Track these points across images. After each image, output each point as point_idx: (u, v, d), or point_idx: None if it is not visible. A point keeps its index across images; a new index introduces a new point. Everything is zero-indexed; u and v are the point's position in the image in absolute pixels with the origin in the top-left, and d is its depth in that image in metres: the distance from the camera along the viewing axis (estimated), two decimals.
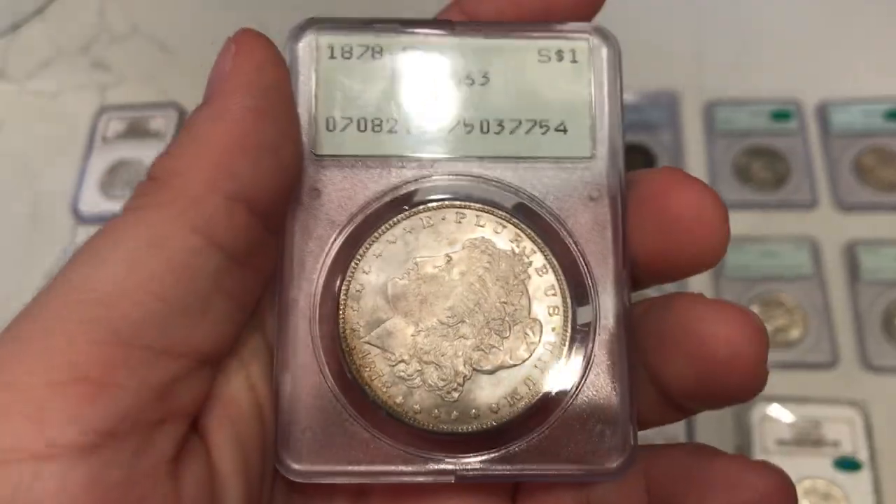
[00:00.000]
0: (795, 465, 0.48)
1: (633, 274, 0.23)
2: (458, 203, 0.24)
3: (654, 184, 0.23)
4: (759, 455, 0.49)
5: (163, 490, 0.19)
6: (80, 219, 0.58)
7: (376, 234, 0.23)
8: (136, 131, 0.60)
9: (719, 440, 0.49)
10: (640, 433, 0.23)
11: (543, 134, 0.24)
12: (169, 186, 0.20)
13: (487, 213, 0.24)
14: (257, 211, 0.21)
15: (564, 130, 0.24)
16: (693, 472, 0.21)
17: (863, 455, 0.48)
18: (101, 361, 0.19)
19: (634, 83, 0.60)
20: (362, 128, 0.24)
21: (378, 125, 0.24)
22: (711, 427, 0.50)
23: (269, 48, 0.22)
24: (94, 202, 0.58)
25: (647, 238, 0.23)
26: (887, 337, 0.52)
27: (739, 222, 0.56)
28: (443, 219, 0.24)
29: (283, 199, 0.22)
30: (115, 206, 0.58)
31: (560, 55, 0.24)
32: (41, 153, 0.61)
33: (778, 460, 0.48)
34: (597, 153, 0.24)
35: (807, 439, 0.49)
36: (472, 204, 0.24)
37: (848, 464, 0.48)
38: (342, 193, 0.24)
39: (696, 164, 0.58)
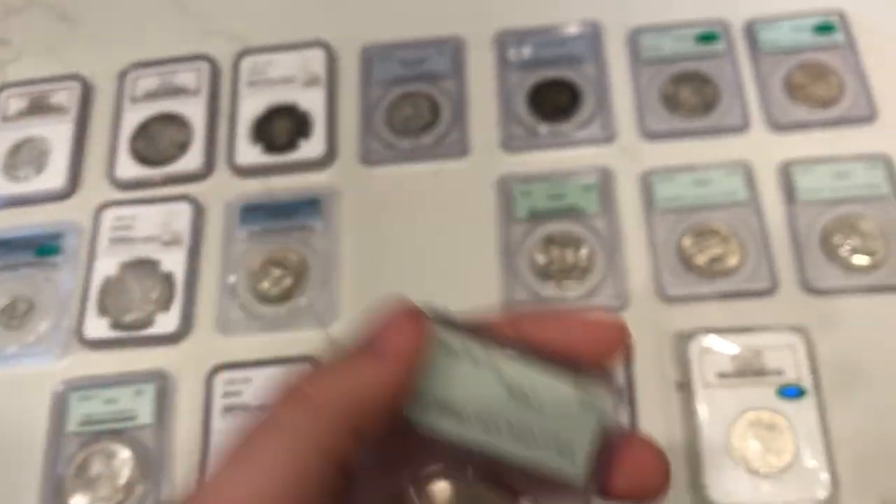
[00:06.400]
0: (738, 397, 0.47)
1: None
2: None
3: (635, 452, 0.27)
4: (700, 390, 0.47)
5: None
6: None
7: None
8: (39, 107, 0.58)
9: (659, 376, 0.48)
10: None
11: None
12: (303, 406, 0.23)
13: None
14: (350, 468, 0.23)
15: None
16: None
17: (806, 381, 0.47)
18: None
19: (557, 16, 0.58)
20: None
21: None
22: (649, 364, 0.48)
23: (422, 332, 0.25)
24: None
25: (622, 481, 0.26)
26: (827, 258, 0.50)
27: (669, 152, 0.54)
28: None
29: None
30: (19, 188, 0.55)
31: None
32: None
33: (720, 393, 0.47)
34: None
35: (749, 370, 0.47)
36: None
37: (792, 391, 0.47)
38: None
39: (622, 96, 0.55)
